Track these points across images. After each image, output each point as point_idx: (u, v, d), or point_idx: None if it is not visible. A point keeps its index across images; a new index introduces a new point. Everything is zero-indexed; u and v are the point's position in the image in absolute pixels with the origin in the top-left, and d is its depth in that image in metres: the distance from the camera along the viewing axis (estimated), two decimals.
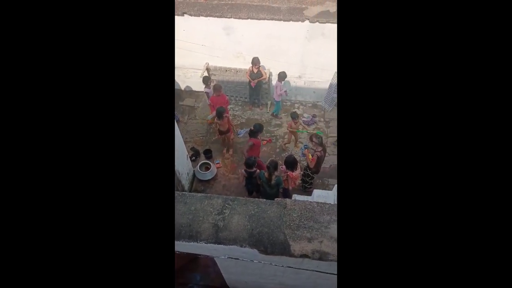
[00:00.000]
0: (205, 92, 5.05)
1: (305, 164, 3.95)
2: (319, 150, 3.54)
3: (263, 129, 4.05)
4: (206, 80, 4.88)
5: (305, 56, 4.84)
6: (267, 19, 4.42)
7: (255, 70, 4.74)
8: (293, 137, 4.76)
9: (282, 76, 4.70)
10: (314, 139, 3.51)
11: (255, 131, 3.84)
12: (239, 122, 5.30)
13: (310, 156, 3.63)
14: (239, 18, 4.46)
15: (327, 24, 4.37)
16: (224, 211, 2.02)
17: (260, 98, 5.37)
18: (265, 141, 4.90)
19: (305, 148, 3.80)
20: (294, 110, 4.98)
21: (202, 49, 4.90)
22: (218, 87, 4.41)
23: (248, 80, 4.89)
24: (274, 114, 5.28)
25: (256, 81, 4.83)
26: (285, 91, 4.90)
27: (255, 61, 4.63)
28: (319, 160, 3.62)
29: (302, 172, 3.94)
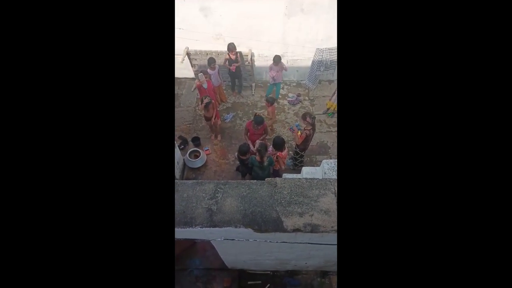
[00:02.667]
0: (209, 73, 4.64)
1: (293, 144, 4.00)
2: (309, 128, 3.61)
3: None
4: (211, 62, 4.51)
5: (286, 34, 4.76)
6: None
7: (233, 57, 4.62)
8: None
9: (276, 59, 4.48)
10: (308, 119, 3.55)
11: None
12: (225, 107, 5.25)
13: (299, 133, 3.67)
14: None
15: None
16: (216, 195, 2.05)
17: (242, 83, 5.28)
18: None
19: (296, 126, 3.80)
20: (270, 95, 4.81)
21: (180, 32, 4.71)
22: (205, 73, 4.31)
23: (227, 68, 4.76)
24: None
25: (234, 65, 4.69)
26: (285, 68, 4.67)
27: (231, 47, 4.47)
28: (307, 138, 3.70)
29: (292, 153, 3.99)
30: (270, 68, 4.71)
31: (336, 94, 4.73)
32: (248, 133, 3.88)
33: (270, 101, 4.21)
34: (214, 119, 4.40)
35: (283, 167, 3.74)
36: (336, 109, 4.86)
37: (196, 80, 4.43)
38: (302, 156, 4.02)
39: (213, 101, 4.21)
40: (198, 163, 4.43)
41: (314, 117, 3.71)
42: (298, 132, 3.69)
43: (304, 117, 3.61)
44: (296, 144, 3.84)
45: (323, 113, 5.09)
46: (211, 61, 4.51)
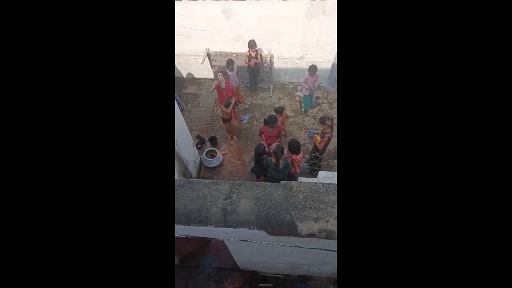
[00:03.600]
0: (228, 74, 4.66)
1: (311, 148, 3.95)
2: (329, 131, 3.56)
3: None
4: (229, 63, 4.56)
5: (307, 36, 4.71)
6: None
7: (253, 54, 4.64)
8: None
9: (312, 69, 4.33)
10: (327, 122, 3.50)
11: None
12: (242, 108, 5.28)
13: (319, 139, 3.62)
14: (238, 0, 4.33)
15: (327, 0, 4.21)
16: (231, 195, 2.06)
17: (257, 82, 5.27)
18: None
19: (311, 133, 3.76)
20: (279, 106, 4.52)
21: (201, 34, 4.80)
22: (225, 73, 4.36)
23: (247, 65, 4.79)
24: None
25: (253, 61, 4.67)
26: (313, 88, 4.46)
27: (251, 44, 4.50)
28: (328, 142, 3.65)
29: (309, 156, 3.95)
30: (306, 80, 4.53)
31: None
32: (263, 135, 3.87)
33: (279, 111, 4.13)
34: (232, 120, 4.45)
35: (298, 170, 3.71)
36: None
37: (215, 81, 4.49)
38: (320, 160, 3.95)
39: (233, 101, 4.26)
40: (214, 162, 4.49)
41: (333, 119, 3.64)
42: (318, 137, 3.64)
43: (323, 121, 3.55)
44: (316, 148, 3.78)
45: None
46: (230, 62, 4.56)
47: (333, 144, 4.65)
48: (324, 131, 3.59)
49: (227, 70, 4.60)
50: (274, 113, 4.00)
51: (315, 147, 3.81)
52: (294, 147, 3.43)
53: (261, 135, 3.92)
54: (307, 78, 4.51)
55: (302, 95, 5.05)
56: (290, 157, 3.53)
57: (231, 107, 4.21)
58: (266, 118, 3.73)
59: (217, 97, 4.83)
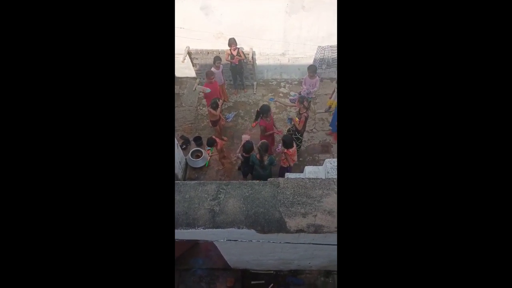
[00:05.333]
0: (214, 72, 4.50)
1: (293, 129, 4.16)
2: (305, 111, 3.85)
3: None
4: (216, 60, 4.41)
5: (287, 32, 4.72)
6: None
7: (234, 52, 4.59)
8: None
9: (312, 69, 4.21)
10: (305, 102, 3.82)
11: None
12: (226, 106, 5.22)
13: (297, 119, 3.92)
14: None
15: None
16: (219, 196, 2.04)
17: (243, 80, 5.26)
18: (253, 124, 4.88)
19: (289, 119, 4.10)
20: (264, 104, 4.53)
21: (181, 32, 4.68)
22: (210, 73, 4.23)
23: (229, 63, 4.74)
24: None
25: (237, 58, 4.64)
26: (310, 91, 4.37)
27: (231, 42, 4.44)
28: (306, 121, 4.00)
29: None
30: (305, 81, 4.44)
31: (335, 92, 4.70)
32: (266, 128, 3.96)
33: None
34: (220, 120, 4.36)
35: (291, 164, 3.77)
36: (335, 105, 4.85)
37: (197, 85, 4.34)
38: (301, 141, 4.33)
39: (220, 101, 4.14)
40: (200, 163, 4.42)
41: (310, 101, 4.08)
42: (296, 119, 3.94)
43: (301, 100, 3.80)
44: (297, 130, 4.05)
45: (325, 111, 5.06)
46: (217, 59, 4.45)
47: (318, 139, 4.71)
48: (301, 111, 3.84)
49: (213, 68, 4.51)
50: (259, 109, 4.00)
51: (295, 129, 4.04)
52: (288, 142, 3.54)
53: (265, 131, 3.93)
54: (306, 79, 4.43)
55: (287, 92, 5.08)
56: (283, 152, 3.60)
57: (219, 109, 4.08)
58: (258, 110, 3.87)
59: (205, 102, 4.68)
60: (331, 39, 4.73)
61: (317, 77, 4.42)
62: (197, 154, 4.49)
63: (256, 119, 4.02)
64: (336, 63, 4.88)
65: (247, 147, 3.54)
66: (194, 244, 3.51)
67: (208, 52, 4.94)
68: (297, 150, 4.30)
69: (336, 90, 4.68)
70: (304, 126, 4.06)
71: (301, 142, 4.36)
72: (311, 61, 5.01)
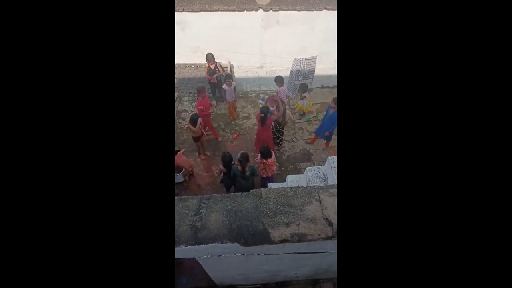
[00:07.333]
0: (224, 89, 4.58)
1: (274, 123, 4.34)
2: (283, 105, 4.22)
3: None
4: (228, 77, 4.43)
5: (264, 45, 4.86)
6: (221, 10, 4.33)
7: (212, 67, 4.63)
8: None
9: (279, 80, 4.37)
10: (282, 98, 4.23)
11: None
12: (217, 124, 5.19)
13: (276, 112, 4.17)
14: (192, 11, 4.31)
15: (280, 12, 4.40)
16: (200, 211, 1.98)
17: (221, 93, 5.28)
18: (234, 135, 4.89)
19: (261, 100, 4.41)
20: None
21: None
22: (201, 89, 4.13)
23: (207, 78, 4.76)
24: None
25: (215, 76, 4.70)
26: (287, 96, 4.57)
27: (209, 58, 4.49)
28: (284, 113, 4.37)
29: (273, 131, 4.45)
30: (279, 91, 4.52)
31: (305, 98, 4.83)
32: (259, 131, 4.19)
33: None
34: (203, 136, 4.28)
35: (270, 174, 3.75)
36: (305, 109, 5.05)
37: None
38: (282, 133, 4.57)
39: (200, 118, 4.03)
40: (179, 177, 4.31)
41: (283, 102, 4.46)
42: (275, 112, 4.22)
43: (270, 99, 4.23)
44: (277, 123, 4.31)
45: (302, 120, 5.19)
46: (228, 77, 4.45)
47: (298, 147, 4.79)
48: (280, 106, 4.22)
49: (224, 85, 4.49)
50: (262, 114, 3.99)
51: (277, 123, 4.35)
52: (265, 153, 3.52)
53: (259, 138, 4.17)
54: (280, 90, 4.54)
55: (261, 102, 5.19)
56: (262, 162, 3.56)
57: (197, 126, 3.99)
58: (261, 109, 4.06)
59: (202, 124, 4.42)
60: (306, 51, 4.92)
61: (283, 86, 4.55)
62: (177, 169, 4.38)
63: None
64: (311, 74, 5.06)
65: (225, 160, 3.50)
66: (176, 263, 3.36)
67: (185, 66, 4.94)
68: (278, 144, 4.61)
69: (301, 94, 4.84)
70: (284, 118, 4.50)
71: (282, 135, 4.63)
72: (287, 73, 5.16)
